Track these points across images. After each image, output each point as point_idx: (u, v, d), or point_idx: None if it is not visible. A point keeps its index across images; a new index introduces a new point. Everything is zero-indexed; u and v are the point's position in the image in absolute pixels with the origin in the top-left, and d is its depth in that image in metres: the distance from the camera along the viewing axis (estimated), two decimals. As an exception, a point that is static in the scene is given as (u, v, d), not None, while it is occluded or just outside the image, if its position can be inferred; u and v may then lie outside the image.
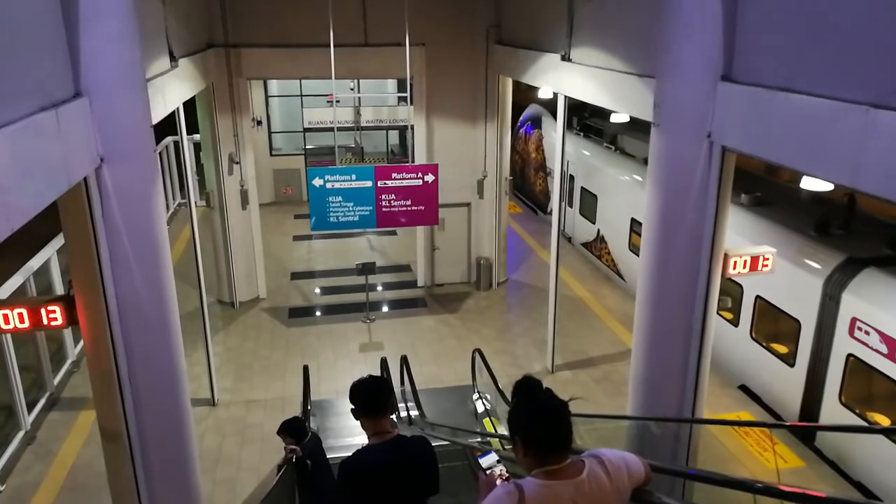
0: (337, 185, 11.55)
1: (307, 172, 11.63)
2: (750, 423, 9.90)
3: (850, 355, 8.79)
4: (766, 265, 7.31)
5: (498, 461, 3.13)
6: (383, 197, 11.74)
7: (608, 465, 2.57)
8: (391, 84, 22.39)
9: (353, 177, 11.55)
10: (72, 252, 5.95)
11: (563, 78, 9.95)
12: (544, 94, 15.41)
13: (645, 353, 7.38)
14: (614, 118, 15.02)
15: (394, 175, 11.67)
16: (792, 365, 9.89)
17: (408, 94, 12.23)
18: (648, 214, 7.00)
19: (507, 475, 3.00)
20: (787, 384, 10.01)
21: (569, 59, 9.70)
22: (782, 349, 10.26)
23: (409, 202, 11.82)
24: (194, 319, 10.71)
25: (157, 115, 7.68)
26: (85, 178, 5.30)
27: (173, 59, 8.85)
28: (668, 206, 6.70)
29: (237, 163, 13.33)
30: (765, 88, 5.43)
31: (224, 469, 9.24)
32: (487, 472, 3.08)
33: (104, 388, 6.09)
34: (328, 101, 18.42)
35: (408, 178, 11.70)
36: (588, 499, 2.44)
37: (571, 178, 17.78)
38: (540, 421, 2.50)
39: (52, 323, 6.02)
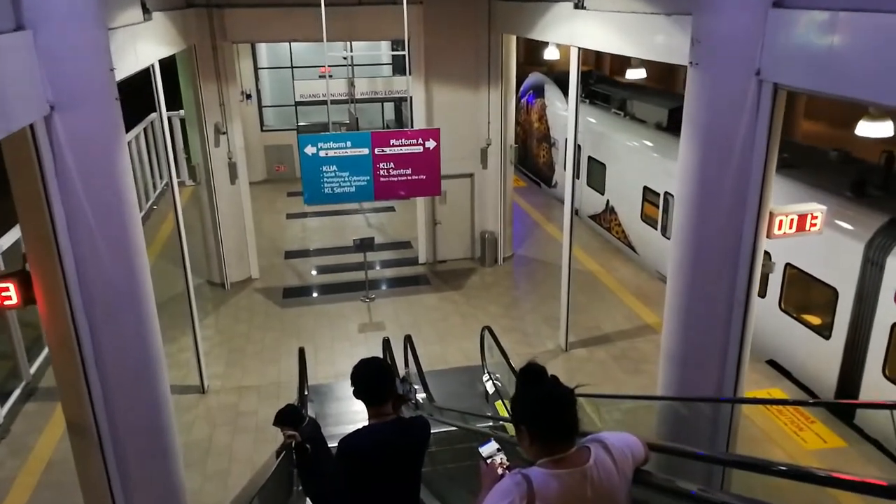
0: (331, 153, 10.70)
1: (298, 140, 10.77)
2: (795, 402, 9.16)
3: (895, 325, 8.05)
4: (815, 224, 6.52)
5: (498, 449, 2.83)
6: (381, 165, 10.89)
7: (613, 449, 2.52)
8: (386, 55, 21.44)
9: (349, 144, 10.70)
10: (23, 220, 5.14)
11: (578, 28, 9.07)
12: (551, 54, 14.57)
13: (679, 326, 6.60)
14: (630, 75, 14.09)
15: (392, 142, 10.81)
16: (827, 337, 9.15)
17: (405, 53, 11.31)
18: (683, 169, 6.19)
19: (507, 463, 2.73)
20: (821, 358, 9.27)
21: (583, 7, 8.82)
22: (816, 320, 9.52)
23: (408, 171, 10.98)
24: (182, 302, 9.91)
25: (128, 68, 6.86)
26: (32, 128, 4.48)
27: (146, 11, 7.98)
28: (707, 158, 5.89)
29: (224, 133, 12.45)
30: (825, 11, 4.64)
31: (215, 461, 8.50)
32: (488, 461, 2.76)
33: (68, 376, 5.32)
34: (321, 75, 17.56)
35: (407, 145, 10.85)
36: (596, 486, 2.40)
37: (578, 147, 16.89)
38: (546, 409, 2.44)
39: (6, 303, 5.23)
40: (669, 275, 6.71)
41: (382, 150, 10.81)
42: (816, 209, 6.47)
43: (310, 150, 10.64)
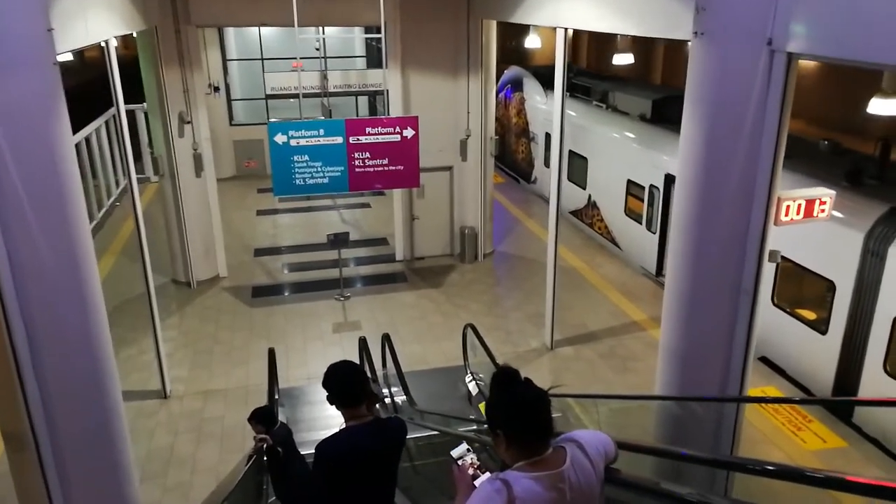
0: (303, 142, 10.08)
1: (268, 128, 10.13)
2: (804, 401, 8.75)
3: (897, 318, 7.70)
4: (823, 210, 6.10)
5: (468, 449, 2.79)
6: (356, 155, 10.30)
7: (588, 448, 2.52)
8: (360, 47, 20.85)
9: (321, 132, 10.09)
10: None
11: (564, 8, 8.59)
12: (532, 43, 14.12)
13: (680, 320, 6.14)
14: (618, 60, 13.64)
15: (368, 129, 10.24)
16: (824, 332, 8.79)
17: (381, 37, 10.73)
18: (686, 151, 5.74)
19: (478, 463, 2.67)
20: (817, 354, 8.91)
21: (570, -16, 8.36)
22: (811, 315, 9.16)
23: (385, 161, 10.40)
24: (145, 301, 9.21)
25: (77, 40, 6.21)
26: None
27: (99, -18, 7.31)
28: (714, 138, 5.44)
29: (188, 122, 11.74)
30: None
31: (176, 472, 7.83)
32: (459, 462, 2.71)
33: (2, 383, 4.65)
34: (293, 69, 16.92)
35: (384, 134, 10.28)
36: (574, 487, 2.40)
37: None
38: (521, 412, 2.42)
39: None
40: (669, 265, 6.25)
41: (357, 139, 10.22)
42: (825, 194, 6.06)
43: (280, 138, 10.01)
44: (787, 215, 5.90)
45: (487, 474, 2.47)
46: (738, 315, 5.75)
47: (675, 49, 27.25)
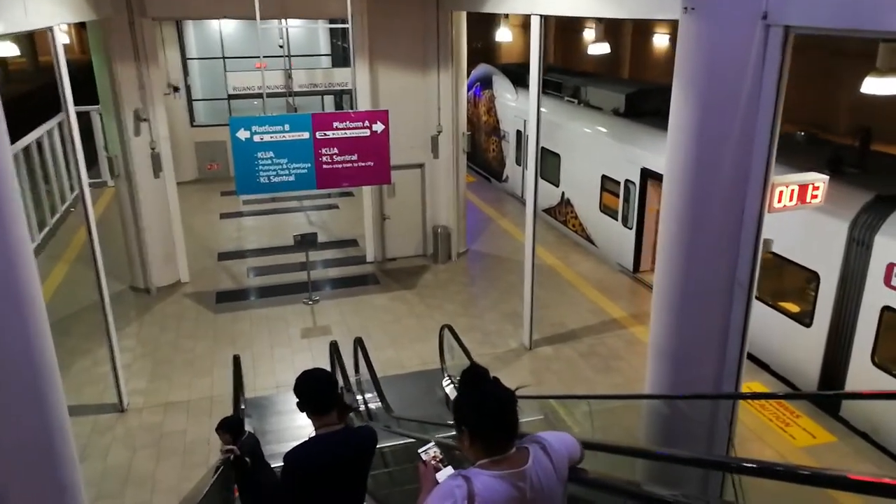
0: (267, 137, 9.60)
1: (229, 123, 9.62)
2: (800, 396, 8.56)
3: (885, 308, 7.53)
4: (816, 196, 5.89)
5: (433, 444, 2.89)
6: (323, 151, 9.84)
7: (550, 450, 2.55)
8: (325, 44, 20.35)
9: (287, 127, 9.62)
10: None
11: (539, -6, 8.26)
12: (503, 37, 13.80)
13: (670, 316, 5.82)
14: (593, 50, 13.34)
15: (335, 124, 9.79)
16: (808, 325, 8.61)
17: (348, 26, 10.27)
18: (676, 134, 5.42)
19: (440, 456, 2.74)
20: (802, 347, 8.72)
21: (544, -31, 8.03)
22: (794, 308, 8.97)
23: (354, 157, 9.97)
24: (100, 310, 8.59)
25: (13, 23, 5.68)
26: None
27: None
28: (705, 120, 5.13)
29: (145, 120, 11.13)
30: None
31: (134, 492, 7.26)
32: (424, 457, 2.76)
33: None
34: (256, 68, 16.38)
35: (352, 128, 9.85)
36: (535, 486, 2.42)
37: (528, 138, 16.22)
38: (487, 411, 2.45)
39: None
40: (658, 259, 5.93)
41: (325, 134, 9.77)
42: (818, 179, 5.84)
43: (242, 134, 9.51)
44: (780, 201, 5.65)
45: (450, 468, 2.50)
46: (733, 308, 5.46)
47: (643, 43, 27.33)
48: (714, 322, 5.53)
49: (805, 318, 8.67)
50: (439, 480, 2.51)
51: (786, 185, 5.63)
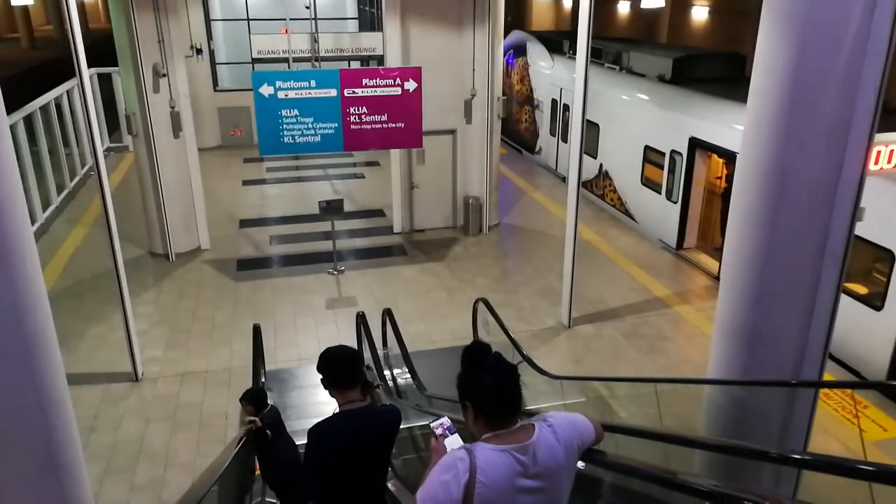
0: (292, 94, 9.00)
1: (252, 78, 9.01)
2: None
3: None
4: (918, 158, 5.12)
5: (445, 419, 2.59)
6: (351, 110, 9.22)
7: (558, 429, 2.53)
8: (351, 7, 19.62)
9: (313, 83, 9.01)
10: None
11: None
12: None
13: (744, 289, 5.10)
14: (647, 3, 12.52)
15: (365, 81, 9.15)
16: (879, 308, 7.84)
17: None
18: (761, 82, 4.68)
19: (448, 423, 2.56)
20: (871, 332, 7.96)
21: None
22: (862, 289, 8.20)
23: (384, 117, 9.34)
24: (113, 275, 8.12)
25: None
26: None
27: None
28: (801, 64, 4.37)
29: (164, 75, 10.57)
30: None
31: (147, 467, 6.80)
32: (437, 430, 2.57)
33: None
34: (282, 33, 15.76)
35: (382, 86, 9.19)
36: (539, 463, 2.42)
37: (566, 108, 15.44)
38: (489, 385, 2.45)
39: None
40: (730, 226, 5.21)
41: (353, 92, 9.13)
42: (922, 139, 5.06)
43: (266, 90, 8.92)
44: (876, 163, 4.92)
45: (457, 436, 2.49)
46: (821, 283, 4.75)
47: (680, 13, 26.22)
48: (798, 299, 4.83)
49: (875, 301, 7.90)
50: (447, 448, 2.48)
51: (885, 145, 4.89)
